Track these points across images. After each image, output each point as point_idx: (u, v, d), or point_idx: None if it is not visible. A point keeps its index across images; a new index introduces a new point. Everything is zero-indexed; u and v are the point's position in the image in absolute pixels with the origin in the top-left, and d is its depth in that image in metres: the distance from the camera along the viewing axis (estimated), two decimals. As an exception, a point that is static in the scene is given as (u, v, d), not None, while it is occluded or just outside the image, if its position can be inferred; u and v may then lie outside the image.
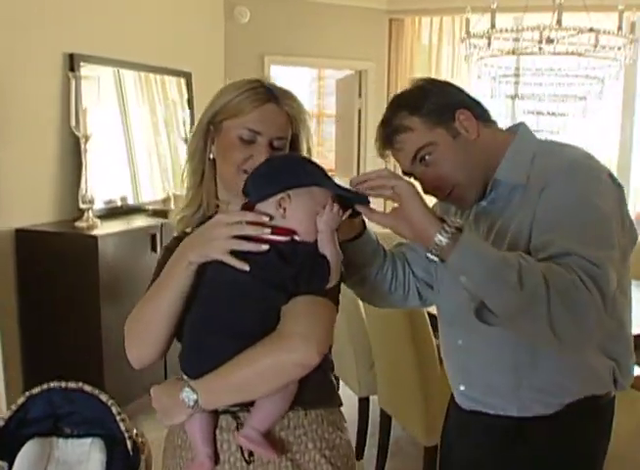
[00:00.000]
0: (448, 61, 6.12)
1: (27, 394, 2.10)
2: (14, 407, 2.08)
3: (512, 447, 1.57)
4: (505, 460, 1.58)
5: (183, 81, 4.95)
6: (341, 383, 3.70)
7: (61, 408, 2.13)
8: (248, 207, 1.36)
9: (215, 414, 1.42)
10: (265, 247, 1.27)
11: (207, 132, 1.50)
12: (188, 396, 1.33)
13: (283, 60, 5.77)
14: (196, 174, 1.54)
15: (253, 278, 1.30)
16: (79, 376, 3.45)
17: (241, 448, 1.41)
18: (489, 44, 3.77)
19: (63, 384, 2.13)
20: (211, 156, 1.51)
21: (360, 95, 6.22)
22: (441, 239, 1.30)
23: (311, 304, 1.31)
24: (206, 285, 1.36)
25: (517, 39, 3.64)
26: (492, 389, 1.58)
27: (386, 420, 3.46)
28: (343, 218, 1.35)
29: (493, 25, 3.43)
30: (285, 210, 1.32)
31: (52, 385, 2.13)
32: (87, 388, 2.13)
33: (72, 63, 3.87)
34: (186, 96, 4.97)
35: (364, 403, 3.64)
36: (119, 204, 4.28)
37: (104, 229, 3.69)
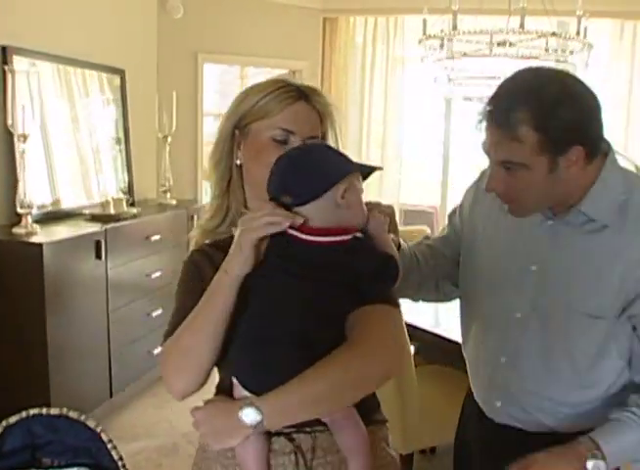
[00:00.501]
0: (382, 61, 6.10)
1: (4, 423, 1.88)
2: (-11, 441, 1.86)
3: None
4: None
5: (117, 78, 4.69)
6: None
7: (40, 438, 1.92)
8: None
9: (269, 436, 1.28)
10: (284, 225, 1.19)
11: (233, 138, 1.40)
12: (250, 415, 1.18)
13: (217, 58, 5.58)
14: (223, 182, 1.44)
15: (319, 280, 1.19)
16: (24, 392, 3.22)
17: None
18: (442, 46, 3.74)
19: (44, 411, 1.92)
20: (238, 162, 1.41)
21: (294, 95, 6.09)
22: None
23: (383, 312, 1.24)
24: (258, 296, 1.24)
25: (475, 42, 3.62)
26: (534, 409, 1.57)
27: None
28: None
29: (455, 27, 3.40)
30: (341, 204, 1.22)
31: (32, 413, 1.91)
32: (72, 414, 1.93)
33: (5, 55, 3.56)
34: (120, 94, 4.71)
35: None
36: (51, 208, 3.99)
37: (45, 236, 3.42)
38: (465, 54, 3.78)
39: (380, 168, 1.32)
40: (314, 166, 1.25)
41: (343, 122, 6.07)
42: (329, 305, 1.20)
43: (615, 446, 1.38)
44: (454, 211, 1.81)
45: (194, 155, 5.59)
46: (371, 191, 6.28)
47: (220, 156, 1.43)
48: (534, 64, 3.56)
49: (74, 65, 4.26)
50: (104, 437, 1.90)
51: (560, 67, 3.61)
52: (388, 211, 1.40)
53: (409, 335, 2.86)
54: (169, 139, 4.90)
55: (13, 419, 1.88)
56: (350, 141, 6.19)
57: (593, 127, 1.41)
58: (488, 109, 1.41)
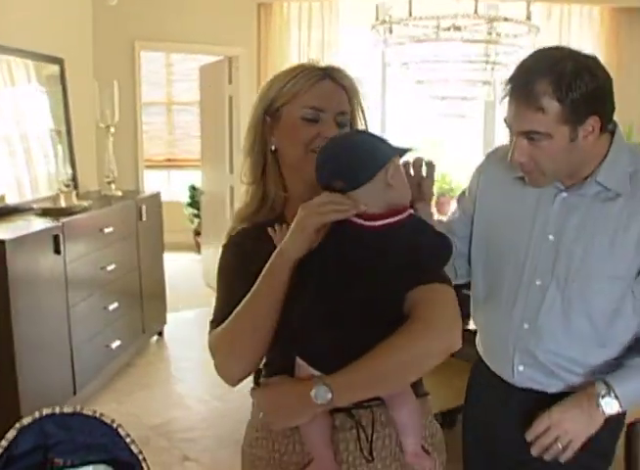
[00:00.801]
0: (318, 46, 6.13)
1: (18, 425, 1.83)
2: (4, 443, 1.80)
3: None
4: None
5: (56, 68, 4.54)
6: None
7: (52, 438, 1.88)
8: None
9: (330, 414, 1.32)
10: (351, 212, 1.23)
11: (264, 124, 1.43)
12: (321, 394, 1.22)
13: (154, 45, 5.48)
14: (256, 168, 1.47)
15: (380, 262, 1.24)
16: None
17: (361, 448, 1.33)
18: (390, 31, 3.82)
19: (57, 410, 1.88)
20: (273, 147, 1.43)
21: (230, 82, 6.05)
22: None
23: (441, 291, 1.29)
24: (319, 278, 1.27)
25: (422, 26, 3.71)
26: (556, 370, 1.67)
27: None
28: None
29: (410, 13, 3.47)
30: (391, 184, 1.27)
31: (45, 412, 1.87)
32: (86, 411, 1.90)
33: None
34: (60, 84, 4.57)
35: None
36: (-1, 204, 3.85)
37: (3, 232, 3.31)
38: (414, 38, 3.87)
39: (414, 149, 1.36)
40: (362, 150, 1.29)
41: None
42: (391, 285, 1.25)
43: (628, 389, 1.51)
44: (463, 193, 1.89)
45: (134, 145, 5.49)
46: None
47: (253, 143, 1.46)
48: (482, 47, 3.70)
49: (9, 53, 4.10)
50: (121, 431, 1.88)
51: (507, 50, 3.76)
52: (433, 163, 1.46)
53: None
54: (112, 129, 4.79)
55: (27, 420, 1.84)
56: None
57: (607, 99, 1.52)
58: (510, 85, 1.51)
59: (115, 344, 4.31)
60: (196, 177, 8.61)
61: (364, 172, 1.26)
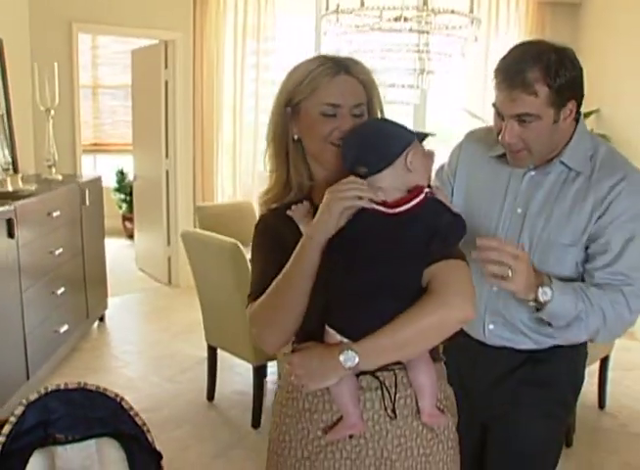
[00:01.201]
0: (254, 31, 6.19)
1: (25, 402, 1.88)
2: (13, 419, 1.85)
3: (529, 368, 1.90)
4: (521, 374, 1.91)
5: (-6, 49, 4.44)
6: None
7: (54, 413, 1.94)
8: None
9: (357, 376, 1.45)
10: (366, 202, 1.36)
11: (285, 115, 1.53)
12: (349, 358, 1.35)
13: (91, 28, 5.41)
14: (278, 157, 1.57)
15: (404, 238, 1.37)
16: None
17: (385, 406, 1.47)
18: (337, 19, 3.94)
19: (62, 386, 1.93)
20: (295, 136, 1.54)
21: (167, 66, 6.03)
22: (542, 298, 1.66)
23: (456, 266, 1.42)
24: (346, 255, 1.39)
25: (372, 16, 3.85)
26: (521, 328, 1.88)
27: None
28: None
29: (362, 4, 3.61)
30: (411, 168, 1.39)
31: (49, 389, 1.93)
32: (90, 386, 1.96)
33: None
34: (-1, 65, 4.47)
35: (260, 371, 3.70)
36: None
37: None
38: (360, 28, 4.01)
39: (433, 134, 1.50)
40: (382, 137, 1.41)
41: (217, 95, 6.14)
42: (411, 263, 1.38)
43: (559, 295, 1.66)
44: (441, 168, 2.08)
45: (72, 128, 5.42)
46: (245, 159, 6.42)
47: (274, 132, 1.56)
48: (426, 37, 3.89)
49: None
50: (124, 405, 1.96)
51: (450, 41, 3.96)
52: (516, 269, 1.60)
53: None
54: (52, 112, 4.73)
55: (32, 396, 1.89)
56: (225, 109, 6.26)
57: (582, 86, 1.73)
58: (502, 75, 1.68)
59: (63, 328, 4.29)
60: (123, 162, 8.53)
61: (384, 158, 1.38)
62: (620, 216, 1.72)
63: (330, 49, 4.14)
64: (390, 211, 1.38)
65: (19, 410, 1.86)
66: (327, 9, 3.85)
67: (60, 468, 1.92)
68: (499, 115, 1.73)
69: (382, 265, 1.37)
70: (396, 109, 4.32)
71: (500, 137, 1.73)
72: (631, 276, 1.72)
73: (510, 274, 1.57)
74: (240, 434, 3.63)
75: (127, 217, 8.44)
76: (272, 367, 4.03)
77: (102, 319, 5.28)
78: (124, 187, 8.48)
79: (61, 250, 4.24)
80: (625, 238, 1.72)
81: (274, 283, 1.44)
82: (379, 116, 1.57)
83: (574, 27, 6.55)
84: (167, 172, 6.26)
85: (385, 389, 1.47)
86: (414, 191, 1.40)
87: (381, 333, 1.36)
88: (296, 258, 1.41)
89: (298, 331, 1.49)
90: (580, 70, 1.71)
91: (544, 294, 1.65)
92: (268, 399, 3.73)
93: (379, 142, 1.41)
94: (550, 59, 1.64)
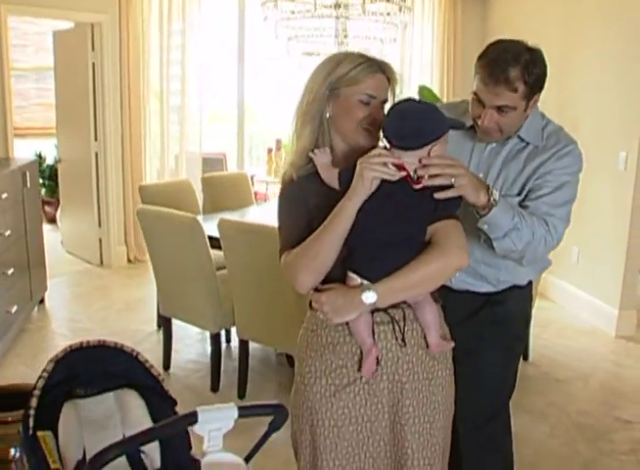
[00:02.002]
0: (179, 13, 6.31)
1: (54, 358, 2.06)
2: (45, 374, 2.03)
3: (488, 309, 2.27)
4: (484, 314, 2.27)
5: None
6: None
7: (75, 370, 2.12)
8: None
9: (372, 313, 1.76)
10: (398, 175, 1.64)
11: (324, 97, 1.80)
12: (369, 296, 1.66)
13: (22, 10, 5.39)
14: (315, 133, 1.83)
15: (421, 204, 1.68)
16: None
17: (395, 335, 1.78)
18: (275, 6, 4.18)
19: (84, 343, 2.12)
20: (328, 115, 1.81)
21: (94, 48, 6.06)
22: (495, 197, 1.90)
23: (454, 225, 1.74)
24: (383, 208, 1.67)
25: (309, 3, 4.11)
26: (481, 272, 2.24)
27: (244, 349, 3.84)
28: None
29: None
30: (432, 155, 1.68)
31: (73, 346, 2.11)
32: (109, 343, 2.16)
33: None
34: None
35: (217, 338, 3.94)
36: None
37: None
38: (294, 12, 4.26)
39: (464, 127, 1.85)
40: (421, 122, 1.67)
41: (144, 77, 6.24)
42: (422, 220, 1.70)
43: (502, 202, 1.94)
44: None
45: (3, 111, 5.41)
46: (173, 140, 6.57)
47: (315, 113, 1.81)
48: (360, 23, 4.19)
49: None
50: (140, 358, 2.17)
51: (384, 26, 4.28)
52: (460, 184, 1.80)
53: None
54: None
55: (60, 354, 2.07)
56: (152, 91, 6.37)
57: (545, 80, 2.05)
58: (488, 72, 1.96)
59: (14, 309, 4.37)
60: (40, 146, 8.43)
61: (413, 142, 1.66)
62: (558, 169, 2.08)
63: (257, 32, 4.36)
64: (415, 186, 1.66)
65: (49, 366, 2.04)
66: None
67: (84, 417, 2.11)
68: (479, 102, 2.02)
69: (403, 222, 1.68)
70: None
71: (480, 122, 2.03)
72: (553, 210, 2.06)
73: (453, 181, 1.72)
74: (202, 397, 3.84)
75: (46, 202, 8.36)
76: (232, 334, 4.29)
77: (42, 301, 5.34)
78: (42, 171, 8.39)
79: (9, 231, 4.31)
80: (557, 184, 2.07)
81: (314, 235, 1.72)
82: None
83: (484, 9, 7.06)
84: (97, 155, 6.31)
85: (395, 323, 1.78)
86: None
87: (395, 276, 1.67)
88: (335, 215, 1.69)
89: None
90: (546, 67, 2.01)
91: (496, 194, 1.91)
92: (224, 363, 4.01)
93: (416, 126, 1.67)
94: (527, 59, 1.95)
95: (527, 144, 2.13)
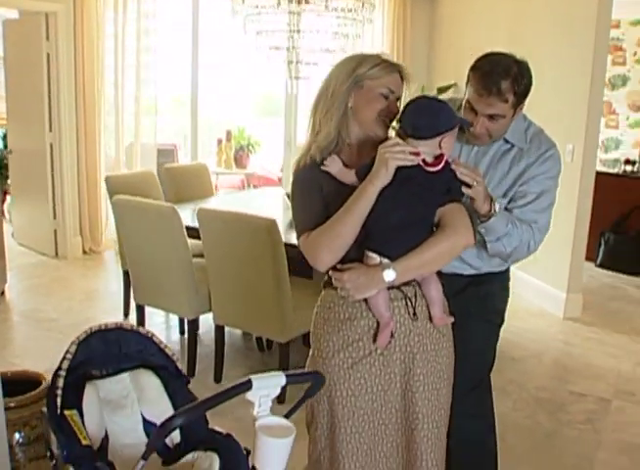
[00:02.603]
0: (133, 4, 6.32)
1: (77, 340, 2.13)
2: (69, 356, 2.10)
3: (473, 287, 2.45)
4: (469, 292, 2.44)
5: None
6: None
7: (94, 352, 2.20)
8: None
9: (387, 290, 1.93)
10: (417, 160, 1.82)
11: (349, 88, 1.96)
12: (389, 274, 1.84)
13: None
14: (338, 121, 1.98)
15: (434, 187, 1.86)
16: None
17: (408, 310, 1.96)
18: (243, 2, 4.30)
19: (103, 325, 2.20)
20: (350, 105, 1.98)
21: (48, 38, 6.01)
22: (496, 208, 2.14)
23: (459, 208, 1.94)
24: (398, 193, 1.84)
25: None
26: (466, 257, 2.41)
27: (220, 334, 3.96)
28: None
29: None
30: (442, 146, 1.87)
31: (94, 329, 2.18)
32: (126, 325, 2.25)
33: None
34: None
35: (194, 324, 4.05)
36: None
37: None
38: (260, 7, 4.38)
39: (471, 124, 2.07)
40: (438, 115, 1.86)
41: (99, 67, 6.23)
42: (433, 202, 1.88)
43: (500, 213, 2.17)
44: None
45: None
46: (128, 131, 6.58)
47: (341, 103, 1.96)
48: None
49: None
50: (155, 339, 2.27)
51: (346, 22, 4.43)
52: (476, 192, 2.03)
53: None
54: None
55: (82, 336, 2.15)
56: (108, 81, 6.37)
57: (530, 89, 2.23)
58: (483, 83, 2.12)
59: None
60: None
61: (431, 132, 1.84)
62: (541, 174, 2.28)
63: (212, 23, 4.44)
64: (427, 168, 1.85)
65: (72, 348, 2.12)
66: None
67: (103, 398, 2.21)
68: (472, 110, 2.18)
69: (418, 204, 1.86)
70: (308, 84, 4.74)
71: (472, 128, 2.20)
72: (537, 216, 2.27)
73: (475, 184, 1.99)
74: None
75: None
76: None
77: (2, 293, 5.31)
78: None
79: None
80: (541, 190, 2.28)
81: (335, 216, 1.88)
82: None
83: (433, 8, 7.29)
84: (52, 146, 6.26)
85: (408, 299, 1.95)
86: (440, 158, 1.87)
87: (411, 254, 1.85)
88: (357, 197, 1.86)
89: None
90: (531, 77, 2.19)
91: (497, 206, 2.13)
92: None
93: (430, 120, 1.85)
94: (515, 72, 2.12)
95: (513, 146, 2.31)
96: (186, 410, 1.46)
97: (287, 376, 1.61)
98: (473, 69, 2.19)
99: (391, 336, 1.95)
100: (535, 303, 5.61)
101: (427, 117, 1.85)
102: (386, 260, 1.86)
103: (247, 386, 1.54)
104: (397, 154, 1.81)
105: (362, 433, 2.00)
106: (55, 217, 6.43)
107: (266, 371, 1.60)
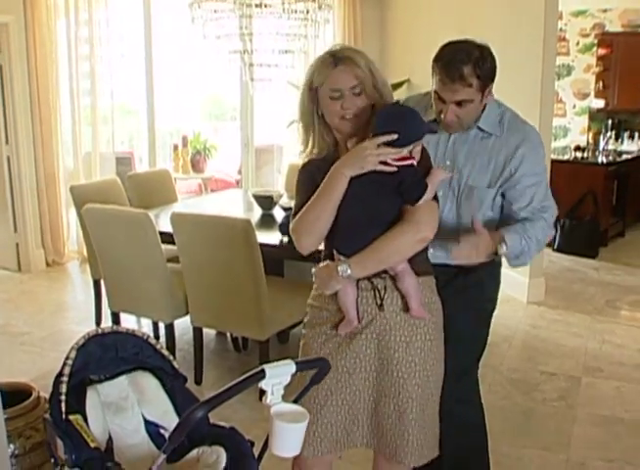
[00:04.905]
0: (85, 9, 6.27)
1: (76, 346, 2.15)
2: (69, 362, 2.12)
3: (462, 277, 2.53)
4: (460, 280, 2.52)
5: None
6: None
7: (91, 356, 2.22)
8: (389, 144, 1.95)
9: (357, 283, 2.04)
10: (394, 168, 1.94)
11: (310, 98, 2.06)
12: (344, 268, 1.96)
13: None
14: (308, 129, 2.10)
15: (395, 185, 1.96)
16: None
17: (375, 300, 2.05)
18: (199, 6, 4.34)
19: (99, 330, 2.22)
20: (320, 112, 2.07)
21: (0, 50, 5.93)
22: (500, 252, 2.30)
23: (426, 204, 2.01)
24: (355, 193, 1.96)
25: (234, 2, 4.29)
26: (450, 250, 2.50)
27: (198, 336, 4.01)
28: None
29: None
30: (412, 152, 1.99)
31: (91, 334, 2.20)
32: (120, 329, 2.28)
33: None
34: None
35: (170, 328, 4.07)
36: None
37: None
38: (220, 11, 4.43)
39: (436, 132, 2.19)
40: (403, 125, 1.95)
41: (54, 77, 6.18)
42: (394, 200, 1.98)
43: (510, 242, 2.29)
44: None
45: None
46: (85, 140, 6.54)
47: (304, 111, 2.07)
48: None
49: None
50: (151, 341, 2.30)
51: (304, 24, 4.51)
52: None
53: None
54: None
55: (81, 341, 2.17)
56: (63, 91, 6.32)
57: (496, 72, 2.32)
58: (445, 72, 2.19)
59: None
60: None
61: (403, 141, 1.94)
62: (528, 171, 2.36)
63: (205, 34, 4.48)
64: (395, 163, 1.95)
65: (72, 354, 2.14)
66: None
67: (103, 402, 2.24)
68: (440, 99, 2.27)
69: (372, 201, 1.97)
70: (264, 86, 4.79)
71: (442, 116, 2.29)
72: (544, 206, 2.38)
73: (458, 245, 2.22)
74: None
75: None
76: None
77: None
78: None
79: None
80: (533, 184, 2.37)
81: (310, 202, 2.00)
82: (375, 89, 2.04)
83: (383, 5, 7.42)
84: (9, 159, 6.19)
85: (376, 290, 2.05)
86: (407, 159, 1.97)
87: (366, 250, 1.96)
88: (327, 185, 1.97)
89: (322, 256, 2.08)
90: (495, 60, 2.27)
91: (500, 248, 2.26)
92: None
93: (400, 128, 1.94)
94: (476, 56, 2.19)
95: (490, 135, 2.37)
96: (207, 401, 1.51)
97: (296, 364, 1.67)
98: (435, 59, 2.25)
99: (359, 322, 2.06)
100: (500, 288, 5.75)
101: (397, 125, 1.93)
102: (343, 257, 1.98)
103: (261, 375, 1.60)
104: (375, 158, 1.92)
105: (324, 407, 2.11)
106: (16, 231, 6.35)
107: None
